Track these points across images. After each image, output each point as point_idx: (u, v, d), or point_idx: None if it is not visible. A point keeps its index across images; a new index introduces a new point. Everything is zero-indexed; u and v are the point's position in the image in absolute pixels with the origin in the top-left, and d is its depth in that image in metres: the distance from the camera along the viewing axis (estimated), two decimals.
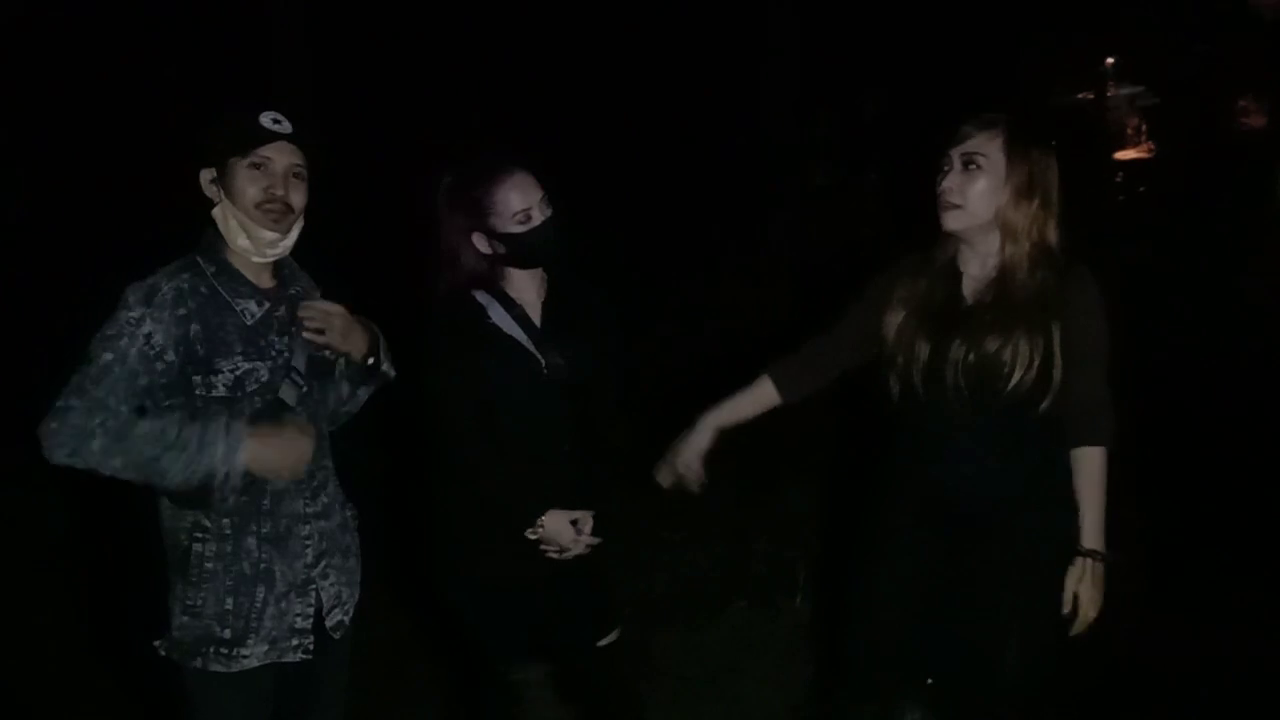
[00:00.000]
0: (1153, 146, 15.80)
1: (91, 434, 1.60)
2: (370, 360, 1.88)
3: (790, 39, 7.77)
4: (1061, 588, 1.91)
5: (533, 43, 7.82)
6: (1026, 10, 10.29)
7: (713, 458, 2.14)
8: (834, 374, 2.14)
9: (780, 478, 4.35)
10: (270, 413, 1.73)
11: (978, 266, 1.95)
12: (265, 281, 1.81)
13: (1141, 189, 14.06)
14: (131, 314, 1.65)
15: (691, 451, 2.10)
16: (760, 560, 3.68)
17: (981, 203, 1.87)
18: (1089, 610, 1.90)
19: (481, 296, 2.08)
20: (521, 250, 2.05)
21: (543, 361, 2.06)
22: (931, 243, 2.01)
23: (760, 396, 2.15)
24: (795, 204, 7.50)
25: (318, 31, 6.59)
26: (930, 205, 1.98)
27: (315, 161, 1.79)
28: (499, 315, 2.06)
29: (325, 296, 1.91)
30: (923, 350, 1.93)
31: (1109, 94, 16.39)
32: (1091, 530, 1.90)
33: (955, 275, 1.97)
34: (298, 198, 1.77)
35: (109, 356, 1.63)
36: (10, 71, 6.39)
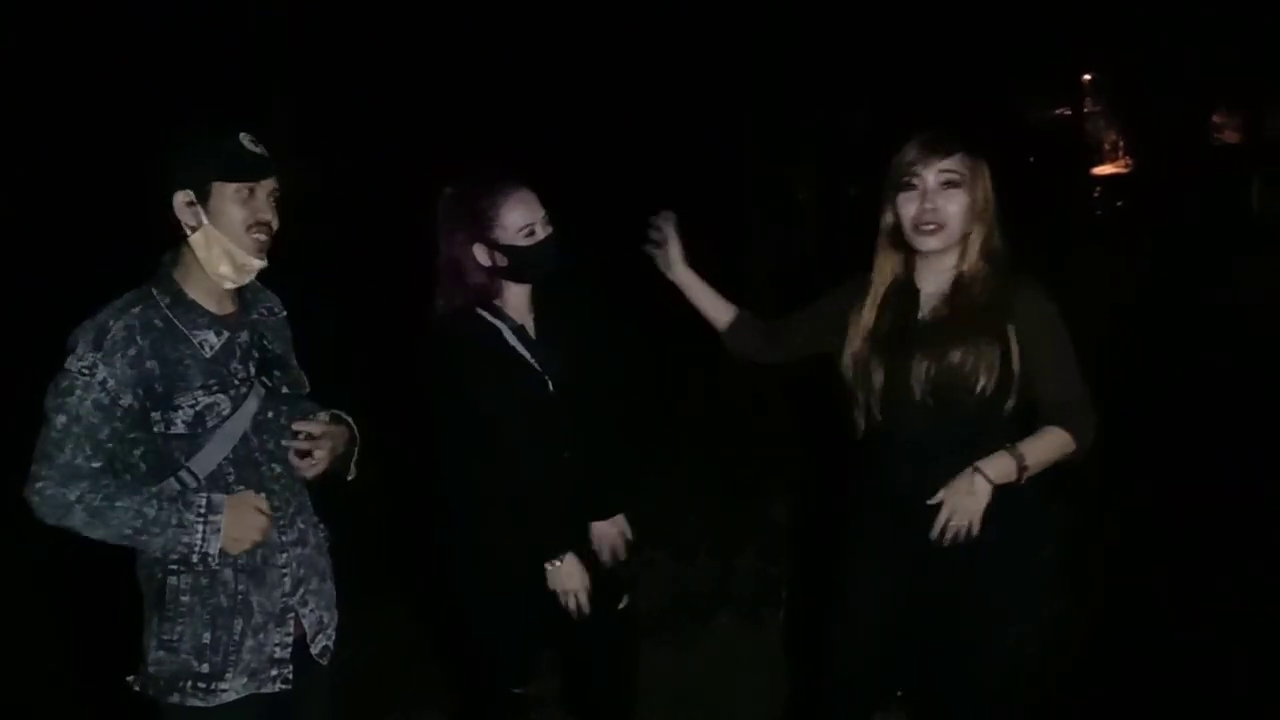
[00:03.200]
0: (1130, 161, 16.02)
1: (71, 508, 1.59)
2: (349, 476, 1.87)
3: (774, 54, 7.83)
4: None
5: (518, 54, 7.84)
6: (1006, 27, 10.41)
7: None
8: (778, 350, 2.23)
9: (764, 493, 4.35)
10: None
11: (934, 283, 1.96)
12: (226, 308, 1.74)
13: (1119, 203, 14.23)
14: (82, 363, 1.59)
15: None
16: (745, 574, 3.68)
17: (959, 221, 1.89)
18: (953, 515, 1.83)
19: (489, 318, 2.09)
20: (523, 264, 2.06)
21: (549, 381, 2.10)
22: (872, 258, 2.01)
23: (721, 309, 2.24)
24: (777, 217, 7.55)
25: (304, 39, 6.59)
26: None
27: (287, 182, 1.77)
28: (510, 337, 2.09)
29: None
30: (878, 377, 1.94)
31: (1086, 109, 16.60)
32: (1000, 460, 1.83)
33: (912, 294, 1.98)
34: (276, 220, 1.73)
35: (63, 419, 1.59)
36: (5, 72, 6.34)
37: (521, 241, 2.04)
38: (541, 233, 2.07)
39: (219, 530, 1.63)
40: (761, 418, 5.32)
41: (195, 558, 1.64)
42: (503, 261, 2.06)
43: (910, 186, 1.89)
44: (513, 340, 2.09)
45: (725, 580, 3.65)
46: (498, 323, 2.10)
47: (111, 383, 1.60)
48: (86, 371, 1.59)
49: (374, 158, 6.72)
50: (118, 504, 1.60)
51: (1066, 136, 15.26)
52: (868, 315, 1.98)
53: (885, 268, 1.99)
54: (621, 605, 2.25)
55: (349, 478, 1.88)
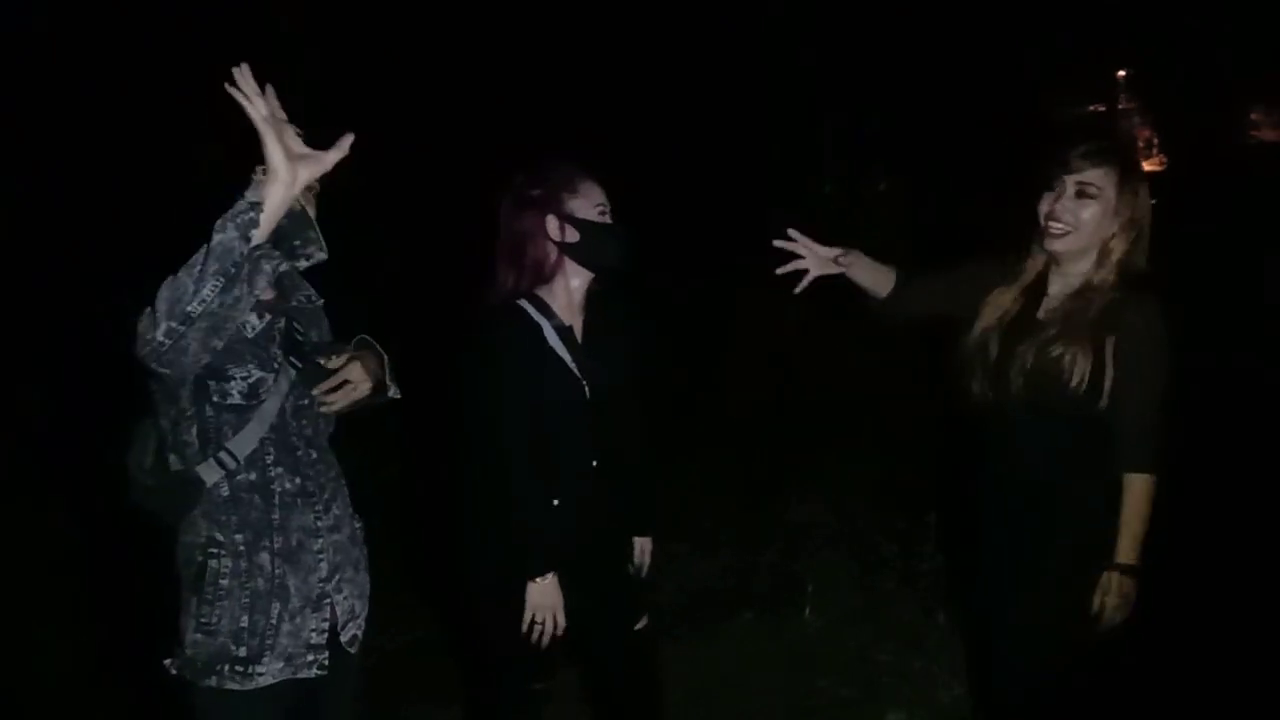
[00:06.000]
0: (1164, 159, 15.76)
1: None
2: (391, 394, 1.87)
3: (798, 45, 7.78)
4: (1079, 601, 2.07)
5: (538, 46, 7.83)
6: (1038, 21, 10.27)
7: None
8: (924, 307, 2.32)
9: (786, 490, 4.34)
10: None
11: (1060, 285, 2.11)
12: (266, 293, 1.75)
13: (1153, 201, 13.99)
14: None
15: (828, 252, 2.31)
16: (767, 572, 3.68)
17: (1089, 229, 2.03)
18: (1110, 616, 2.05)
19: (534, 313, 2.07)
20: (593, 241, 2.06)
21: (587, 386, 2.08)
22: (1024, 247, 2.17)
23: (882, 279, 2.32)
24: (803, 210, 7.49)
25: (321, 36, 6.62)
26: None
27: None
28: (551, 336, 2.07)
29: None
30: (993, 353, 2.12)
31: (1121, 106, 16.35)
32: (1124, 547, 2.04)
33: (1040, 292, 2.14)
34: (312, 213, 1.77)
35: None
36: (15, 71, 6.42)
37: (597, 217, 2.06)
38: (611, 218, 2.10)
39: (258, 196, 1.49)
40: (784, 414, 5.30)
41: (258, 213, 1.47)
42: (573, 237, 2.05)
43: (1051, 187, 2.06)
44: (554, 340, 2.07)
45: (746, 578, 3.65)
46: (541, 319, 2.07)
47: None
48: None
49: (398, 159, 6.75)
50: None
51: (1100, 133, 15.06)
52: (1006, 298, 2.15)
53: (1038, 259, 2.14)
54: (639, 626, 2.23)
55: (390, 394, 1.89)
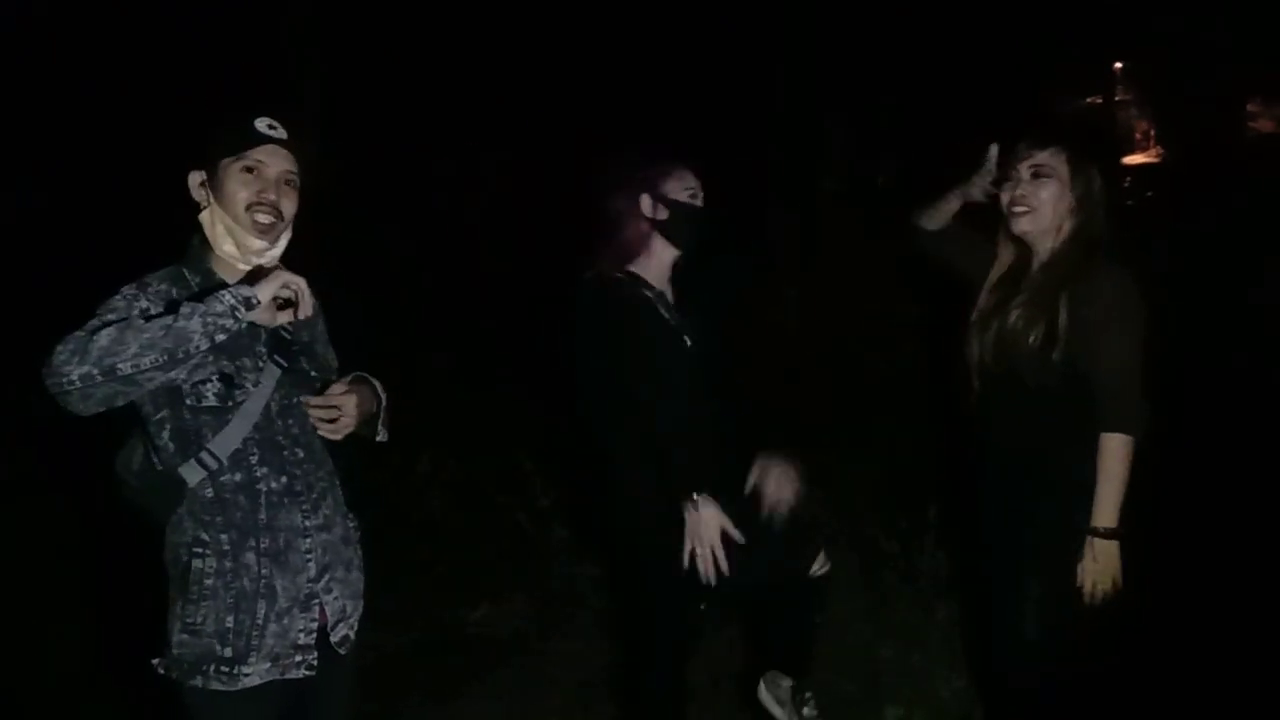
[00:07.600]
0: (1161, 151, 15.78)
1: (94, 333, 1.53)
2: (379, 438, 1.89)
3: (799, 41, 7.77)
4: (1073, 583, 2.11)
5: (537, 44, 7.83)
6: (1035, 14, 10.27)
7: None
8: (943, 231, 2.37)
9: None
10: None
11: (1036, 265, 2.21)
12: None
13: (1149, 194, 14.03)
14: (129, 290, 1.66)
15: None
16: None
17: (1049, 208, 2.14)
18: (1095, 584, 2.08)
19: (626, 282, 2.26)
20: (679, 219, 2.28)
21: (686, 338, 2.28)
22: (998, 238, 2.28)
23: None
24: (804, 207, 7.48)
25: (330, 35, 6.61)
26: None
27: (309, 170, 1.76)
28: (644, 295, 2.27)
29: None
30: (975, 350, 2.22)
31: (1117, 98, 16.37)
32: (1100, 510, 2.07)
33: (1021, 275, 2.22)
34: (288, 205, 1.73)
35: (111, 315, 1.60)
36: (20, 68, 6.40)
37: (685, 198, 2.28)
38: (700, 201, 2.30)
39: (246, 286, 1.61)
40: (785, 412, 5.29)
41: (239, 307, 1.57)
42: (663, 214, 2.27)
43: (1009, 177, 2.18)
44: (650, 298, 2.27)
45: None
46: (634, 286, 2.26)
47: (153, 311, 1.62)
48: (129, 297, 1.64)
49: (393, 154, 6.74)
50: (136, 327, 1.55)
51: (1096, 125, 15.07)
52: (982, 295, 2.26)
53: (1002, 254, 2.27)
54: (817, 570, 2.35)
55: (378, 439, 1.89)
